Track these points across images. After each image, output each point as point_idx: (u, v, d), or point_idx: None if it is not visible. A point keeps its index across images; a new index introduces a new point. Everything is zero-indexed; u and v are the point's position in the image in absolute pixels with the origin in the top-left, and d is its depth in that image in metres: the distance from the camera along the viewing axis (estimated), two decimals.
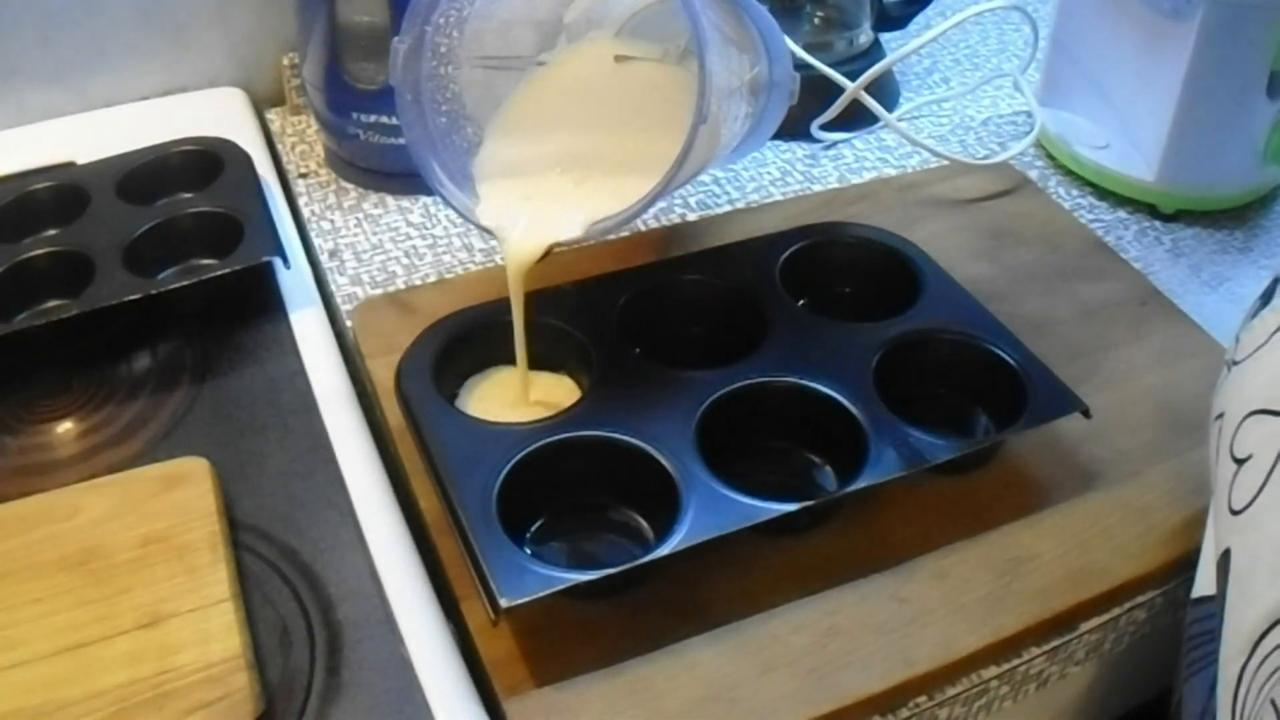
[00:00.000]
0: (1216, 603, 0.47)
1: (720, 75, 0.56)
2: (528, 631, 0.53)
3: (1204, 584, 0.51)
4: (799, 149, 0.87)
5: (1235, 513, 0.46)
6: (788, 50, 0.70)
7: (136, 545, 0.54)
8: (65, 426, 0.63)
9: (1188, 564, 0.53)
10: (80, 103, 0.86)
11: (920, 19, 0.92)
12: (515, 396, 0.62)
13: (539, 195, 0.61)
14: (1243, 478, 0.46)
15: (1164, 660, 0.56)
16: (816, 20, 0.91)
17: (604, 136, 0.63)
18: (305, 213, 0.80)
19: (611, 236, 0.77)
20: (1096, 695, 0.63)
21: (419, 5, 0.59)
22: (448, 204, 0.60)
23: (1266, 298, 0.50)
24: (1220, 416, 0.50)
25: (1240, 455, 0.47)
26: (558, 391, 0.62)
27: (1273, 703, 0.41)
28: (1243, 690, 0.43)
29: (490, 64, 0.64)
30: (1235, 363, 0.50)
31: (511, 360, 0.62)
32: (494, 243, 0.77)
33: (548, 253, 0.59)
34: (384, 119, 0.77)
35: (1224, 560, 0.46)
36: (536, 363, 0.63)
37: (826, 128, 0.86)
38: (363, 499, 0.58)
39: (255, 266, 0.68)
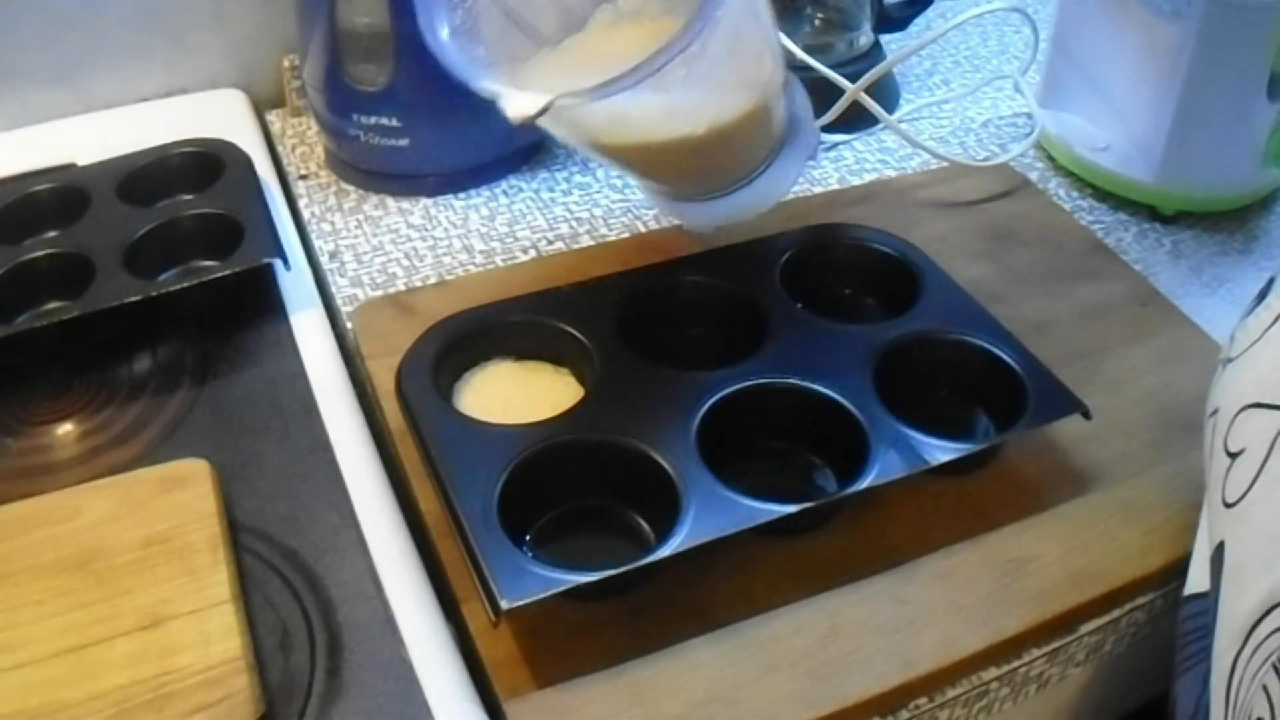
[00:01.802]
0: (1209, 597, 0.48)
1: None
2: (528, 633, 0.53)
3: (1195, 582, 0.51)
4: None
5: (1229, 506, 0.46)
6: (811, 112, 0.71)
7: (137, 547, 0.54)
8: (66, 428, 0.63)
9: (1188, 566, 0.53)
10: (81, 104, 0.86)
11: (920, 20, 0.92)
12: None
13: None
14: (1236, 471, 0.46)
15: (1164, 662, 0.56)
16: (817, 22, 0.92)
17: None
18: (305, 214, 0.80)
19: (614, 241, 0.77)
20: (1096, 697, 0.63)
21: None
22: (445, 60, 0.57)
23: (1262, 296, 0.50)
24: (1215, 413, 0.50)
25: (1234, 449, 0.47)
26: (557, 385, 0.62)
27: (1264, 688, 0.41)
28: (1236, 679, 0.43)
29: (510, 13, 0.63)
30: (1230, 359, 0.51)
31: (510, 354, 0.62)
32: (494, 244, 0.77)
33: (547, 107, 0.54)
34: (384, 120, 0.77)
35: (1218, 554, 0.47)
36: (537, 355, 0.63)
37: (827, 129, 0.86)
38: (363, 500, 0.59)
39: (255, 268, 0.68)
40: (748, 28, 0.58)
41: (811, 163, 0.69)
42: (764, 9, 0.60)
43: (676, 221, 0.78)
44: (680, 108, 0.59)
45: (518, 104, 0.55)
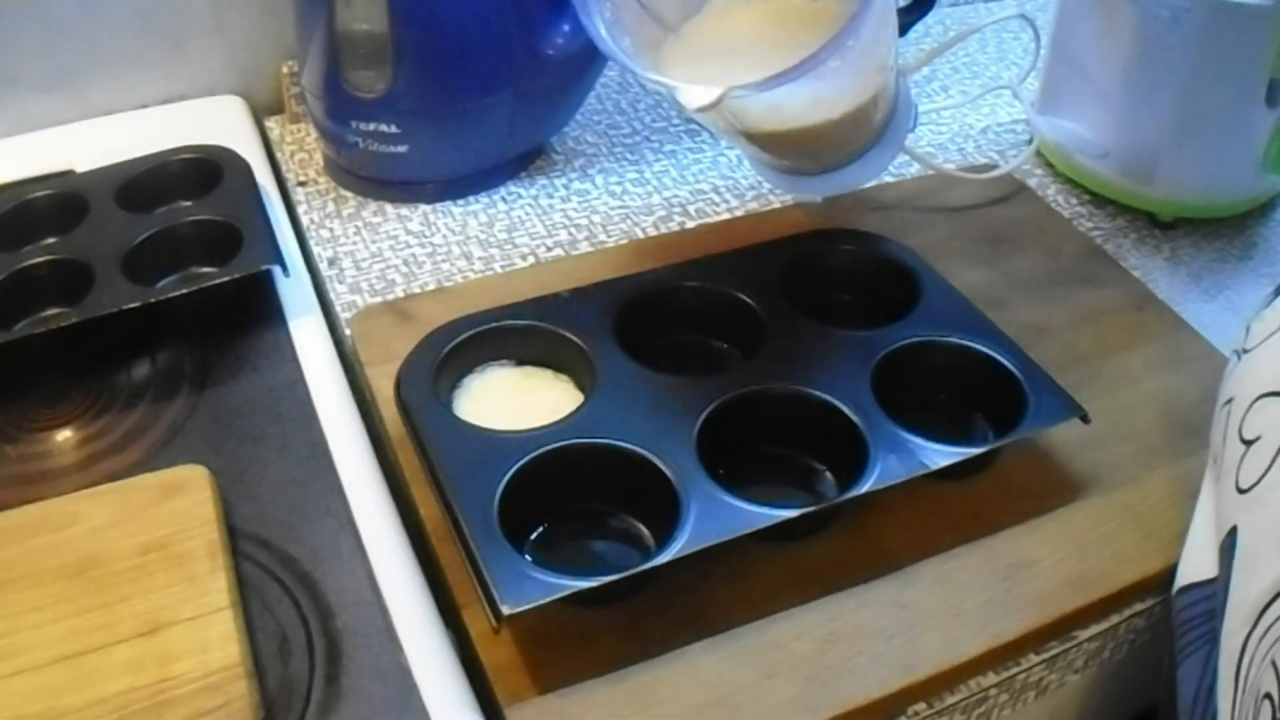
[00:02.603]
0: (1218, 582, 0.48)
1: None
2: (529, 639, 0.53)
3: (1193, 571, 0.52)
4: None
5: (1242, 491, 0.47)
6: (910, 84, 0.73)
7: (136, 553, 0.53)
8: (64, 434, 0.63)
9: None
10: (79, 111, 0.86)
11: (920, 27, 0.92)
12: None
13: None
14: (1251, 457, 0.47)
15: (1162, 668, 0.56)
16: None
17: (784, 44, 0.60)
18: (304, 221, 0.80)
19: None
20: (1095, 704, 0.63)
21: None
22: (614, 58, 0.58)
23: (1278, 290, 0.51)
24: (1229, 402, 0.51)
25: (1249, 436, 0.48)
26: (556, 391, 0.62)
27: (1273, 663, 0.41)
28: (1246, 659, 0.44)
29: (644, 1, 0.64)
30: (1245, 351, 0.51)
31: (510, 360, 0.62)
32: (493, 250, 0.77)
33: (720, 99, 0.55)
34: (383, 127, 0.77)
35: (1229, 538, 0.48)
36: (536, 361, 0.63)
37: None
38: (362, 507, 0.58)
39: (254, 275, 0.68)
40: (889, 17, 0.61)
41: (911, 131, 0.72)
42: None
43: (675, 227, 0.79)
44: (825, 97, 0.61)
45: (694, 96, 0.56)
